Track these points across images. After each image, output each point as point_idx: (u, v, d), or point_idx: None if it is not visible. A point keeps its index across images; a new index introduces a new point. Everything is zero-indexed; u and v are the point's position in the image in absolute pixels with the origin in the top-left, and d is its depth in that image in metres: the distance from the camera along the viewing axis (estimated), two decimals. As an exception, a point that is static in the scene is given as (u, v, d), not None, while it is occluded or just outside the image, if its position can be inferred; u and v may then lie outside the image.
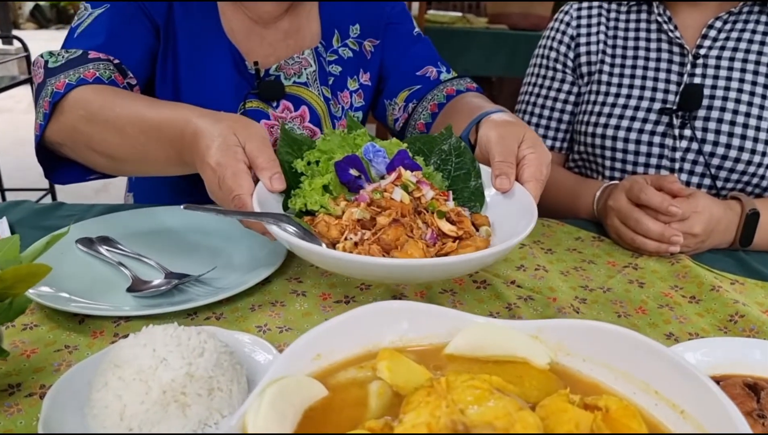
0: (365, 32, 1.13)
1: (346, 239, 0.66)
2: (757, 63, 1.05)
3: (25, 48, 2.81)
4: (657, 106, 1.08)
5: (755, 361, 0.61)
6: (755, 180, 1.03)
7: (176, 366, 0.50)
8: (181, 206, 0.63)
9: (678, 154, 1.06)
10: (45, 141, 0.89)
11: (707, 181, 1.05)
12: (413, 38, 1.17)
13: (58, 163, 0.94)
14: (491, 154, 0.74)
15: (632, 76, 1.12)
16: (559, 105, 1.21)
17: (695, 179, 1.06)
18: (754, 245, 0.94)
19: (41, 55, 0.91)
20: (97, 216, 0.91)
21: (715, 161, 1.03)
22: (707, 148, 1.04)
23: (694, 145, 1.04)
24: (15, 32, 4.59)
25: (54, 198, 3.00)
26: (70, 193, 3.28)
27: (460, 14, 3.75)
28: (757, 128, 1.02)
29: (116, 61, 0.91)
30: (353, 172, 0.73)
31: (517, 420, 0.35)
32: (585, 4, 1.20)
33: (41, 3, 12.64)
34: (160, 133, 0.76)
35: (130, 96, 0.86)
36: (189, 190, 0.99)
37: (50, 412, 0.50)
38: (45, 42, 3.02)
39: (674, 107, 1.05)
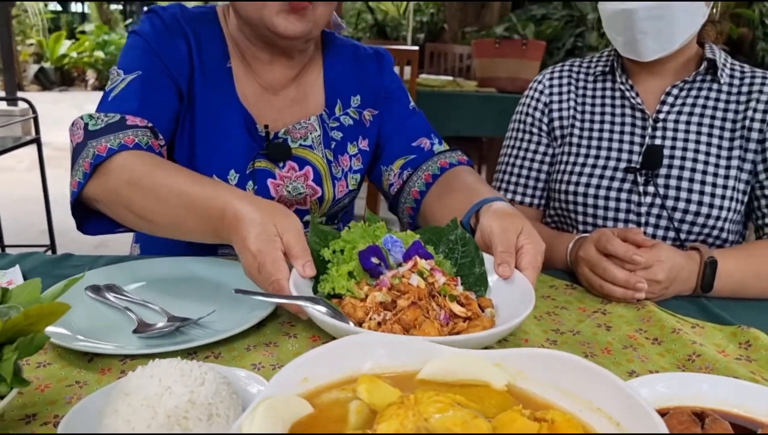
0: (365, 103, 1.24)
1: (370, 319, 0.77)
2: (711, 126, 1.16)
3: (33, 110, 2.91)
4: (623, 165, 1.18)
5: (704, 393, 0.67)
6: (715, 232, 1.12)
7: (179, 393, 0.56)
8: (233, 290, 0.76)
9: (643, 209, 1.15)
10: (81, 197, 0.97)
11: (671, 234, 1.14)
12: (409, 111, 1.27)
13: (87, 215, 1.02)
14: (494, 244, 0.87)
15: (600, 139, 1.23)
16: (535, 165, 1.31)
17: (660, 232, 1.15)
18: (716, 291, 1.01)
19: (81, 117, 1.01)
20: (105, 265, 0.98)
21: (678, 215, 1.12)
22: (669, 202, 1.13)
23: (658, 201, 1.13)
24: (19, 94, 4.75)
25: (55, 253, 3.06)
26: (70, 249, 3.34)
27: (450, 78, 3.91)
28: (714, 184, 1.12)
29: (150, 125, 1.00)
30: (374, 260, 0.83)
31: (472, 426, 0.42)
32: (556, 74, 1.31)
33: (45, 66, 12.99)
34: (200, 209, 0.87)
35: (173, 167, 0.96)
36: (194, 243, 1.06)
37: (66, 429, 0.56)
38: (50, 104, 3.15)
39: (638, 166, 1.16)
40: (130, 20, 17.91)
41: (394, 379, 0.52)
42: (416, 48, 3.38)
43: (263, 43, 1.12)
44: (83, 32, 14.65)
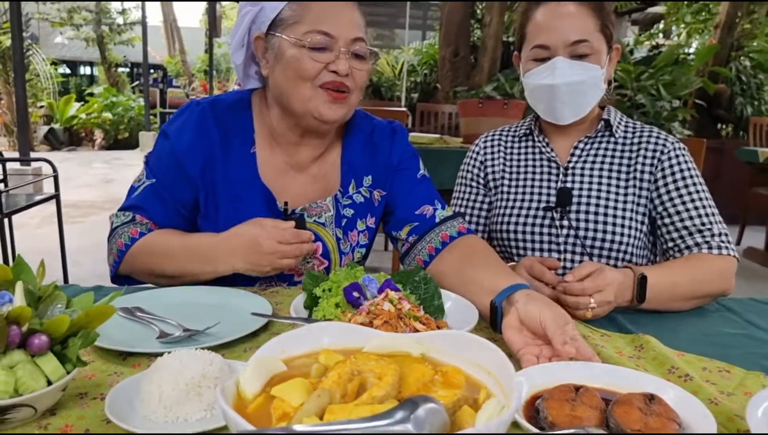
0: (376, 183, 1.44)
1: None
2: (609, 170, 1.47)
3: (54, 169, 3.18)
4: (542, 205, 1.46)
5: (586, 376, 0.89)
6: (620, 255, 1.41)
7: (195, 369, 0.79)
8: (250, 312, 1.07)
9: (561, 239, 1.43)
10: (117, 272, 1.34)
11: (585, 258, 1.40)
12: (417, 180, 1.45)
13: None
14: (550, 331, 0.95)
15: (524, 186, 1.53)
16: (476, 211, 1.62)
17: (577, 257, 1.42)
18: (648, 302, 1.23)
19: (113, 215, 1.36)
20: (132, 293, 1.21)
21: (589, 242, 1.39)
22: (581, 233, 1.41)
23: (572, 232, 1.41)
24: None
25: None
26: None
27: (438, 136, 4.20)
28: (614, 216, 1.42)
29: (151, 222, 1.32)
30: (355, 294, 1.06)
31: (387, 369, 0.64)
32: (489, 138, 1.63)
33: (55, 126, 13.44)
34: (199, 249, 1.25)
35: (172, 232, 1.32)
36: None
37: (111, 401, 0.78)
38: (58, 162, 3.41)
39: (553, 206, 1.43)
40: (136, 82, 18.55)
41: (344, 352, 0.75)
42: (405, 109, 3.68)
43: (300, 129, 1.33)
44: (92, 94, 15.19)
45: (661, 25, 11.46)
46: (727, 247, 1.38)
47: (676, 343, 1.09)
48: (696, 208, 1.42)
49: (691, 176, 1.46)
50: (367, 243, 1.45)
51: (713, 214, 1.43)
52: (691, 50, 9.25)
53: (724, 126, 8.58)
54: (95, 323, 0.82)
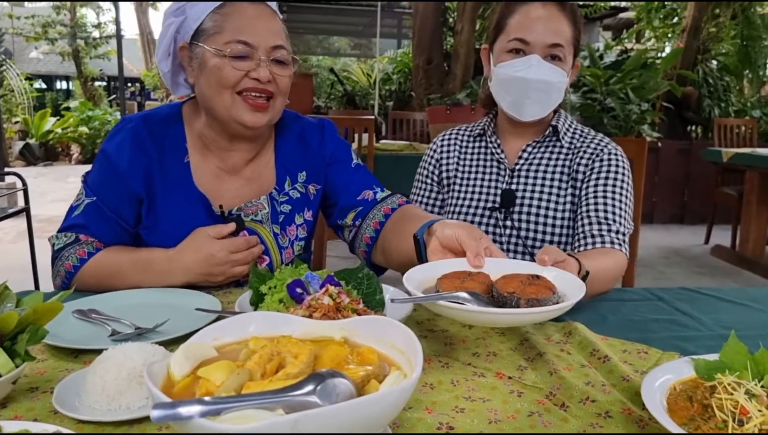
0: (310, 178, 1.53)
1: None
2: (553, 173, 1.53)
3: (23, 183, 3.21)
4: (489, 205, 1.52)
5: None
6: None
7: (137, 360, 0.84)
8: (194, 308, 1.12)
9: (504, 238, 1.49)
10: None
11: (527, 257, 1.45)
12: (352, 169, 1.55)
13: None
14: (466, 244, 1.09)
15: (473, 185, 1.59)
16: (429, 208, 1.68)
17: (519, 256, 1.47)
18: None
19: (53, 237, 1.38)
20: (88, 296, 1.26)
21: (530, 242, 1.46)
22: (523, 233, 1.47)
23: (515, 232, 1.47)
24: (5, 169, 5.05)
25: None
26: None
27: (407, 142, 4.28)
28: (554, 217, 1.48)
29: (98, 240, 1.36)
30: (299, 290, 1.12)
31: (303, 347, 0.71)
32: (446, 137, 1.68)
33: (30, 142, 13.34)
34: (150, 263, 1.32)
35: (118, 250, 1.36)
36: None
37: (59, 393, 0.83)
38: (33, 178, 3.44)
39: (498, 206, 1.49)
40: (113, 96, 18.48)
41: (271, 339, 0.81)
42: (372, 117, 3.76)
43: (229, 135, 1.41)
44: (68, 108, 15.10)
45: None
46: (620, 245, 1.47)
47: (602, 328, 1.17)
48: (605, 203, 1.51)
49: (615, 178, 1.54)
50: (306, 236, 1.53)
51: (620, 214, 1.51)
52: (663, 54, 9.45)
53: (693, 128, 8.77)
54: (44, 320, 0.88)
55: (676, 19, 9.93)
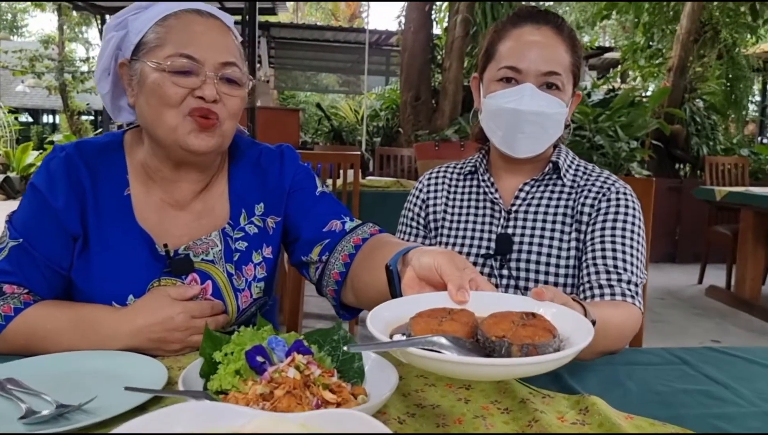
0: (268, 210, 1.33)
1: None
2: (555, 214, 1.34)
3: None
4: (482, 251, 1.33)
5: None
6: None
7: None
8: (123, 387, 0.88)
9: (501, 289, 1.30)
10: None
11: None
12: (316, 198, 1.35)
13: None
14: (446, 274, 0.90)
15: (465, 229, 1.40)
16: None
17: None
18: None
19: None
20: (10, 362, 1.05)
21: (529, 294, 1.25)
22: (521, 283, 1.28)
23: (512, 282, 1.28)
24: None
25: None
26: None
27: (394, 179, 4.12)
28: (557, 265, 1.28)
29: (26, 291, 1.15)
30: (259, 358, 0.92)
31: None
32: (434, 175, 1.50)
33: (11, 175, 13.11)
34: (92, 323, 1.12)
35: (59, 304, 1.17)
36: None
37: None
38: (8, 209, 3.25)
39: (492, 253, 1.30)
40: (99, 129, 18.32)
41: (214, 441, 0.61)
42: (358, 152, 3.60)
43: (174, 163, 1.23)
44: (52, 142, 14.93)
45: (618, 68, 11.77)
46: (633, 297, 1.29)
47: (624, 402, 0.98)
48: (614, 249, 1.33)
49: (625, 221, 1.36)
50: (266, 275, 1.33)
51: (631, 262, 1.33)
52: (648, 93, 9.46)
53: (682, 166, 8.71)
54: None
55: (660, 60, 9.98)
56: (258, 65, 10.33)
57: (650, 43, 10.11)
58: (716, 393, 1.05)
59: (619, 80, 11.72)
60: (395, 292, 1.02)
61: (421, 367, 0.76)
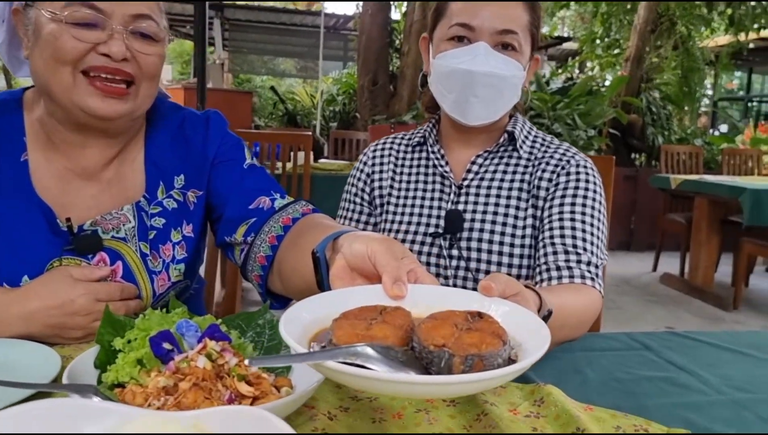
0: (189, 183, 1.18)
1: (149, 405, 0.71)
2: (509, 189, 1.23)
3: None
4: (430, 230, 1.21)
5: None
6: None
7: None
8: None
9: (450, 272, 1.18)
10: None
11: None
12: (244, 171, 1.20)
13: None
14: (380, 263, 0.77)
15: (412, 206, 1.28)
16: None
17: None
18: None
19: None
20: None
21: (480, 275, 1.15)
22: (472, 264, 1.16)
23: (462, 263, 1.16)
24: None
25: None
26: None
27: (348, 162, 3.99)
28: (511, 245, 1.17)
29: None
30: (166, 345, 0.78)
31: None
32: (380, 147, 1.37)
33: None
34: None
35: None
36: None
37: None
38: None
39: (441, 232, 1.19)
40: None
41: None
42: (309, 133, 3.46)
43: (75, 126, 1.07)
44: None
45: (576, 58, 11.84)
46: (593, 280, 1.19)
47: (583, 391, 0.88)
48: (574, 228, 1.22)
49: (585, 197, 1.25)
50: (186, 257, 1.17)
51: (592, 241, 1.22)
52: (607, 83, 9.52)
53: (637, 155, 8.80)
54: None
55: (617, 50, 10.05)
56: (211, 48, 10.04)
57: (608, 33, 10.17)
58: (681, 380, 0.96)
59: (577, 70, 11.77)
60: (323, 283, 0.88)
61: (342, 383, 0.64)
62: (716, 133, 12.12)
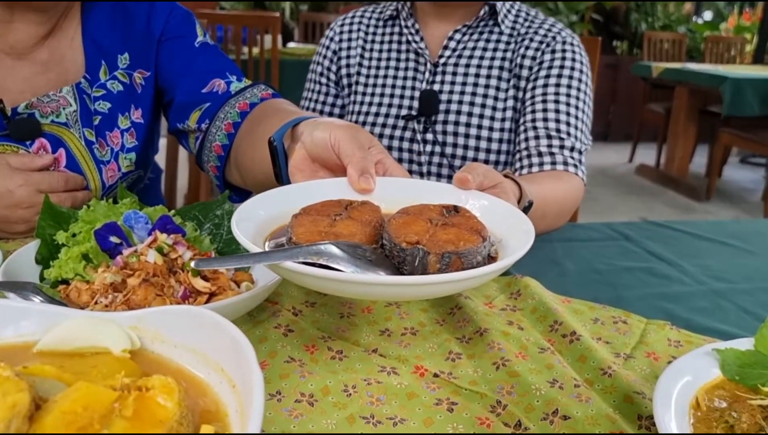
0: (135, 62, 1.06)
1: (96, 303, 0.66)
2: (489, 68, 1.14)
3: None
4: (403, 112, 1.13)
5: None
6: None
7: None
8: None
9: (424, 158, 1.11)
10: None
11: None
12: (195, 51, 1.09)
13: None
14: (344, 153, 0.70)
15: (383, 86, 1.19)
16: (325, 115, 1.25)
17: (443, 180, 1.10)
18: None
19: None
20: None
21: (457, 162, 1.09)
22: (448, 150, 1.10)
23: (437, 148, 1.10)
24: None
25: None
26: None
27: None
28: (490, 128, 1.10)
29: None
30: (114, 239, 0.71)
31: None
32: (348, 21, 1.26)
33: None
34: None
35: None
36: None
37: None
38: None
39: (415, 114, 1.11)
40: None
41: (6, 352, 0.43)
42: (277, 14, 3.25)
43: None
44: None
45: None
46: (576, 166, 1.13)
47: (561, 283, 0.85)
48: (557, 110, 1.15)
49: (571, 77, 1.17)
50: (137, 145, 1.07)
51: (576, 126, 1.16)
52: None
53: (619, 43, 8.59)
54: None
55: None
56: None
57: None
58: (660, 271, 0.93)
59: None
60: (281, 175, 0.81)
61: (303, 285, 0.58)
62: (700, 20, 11.83)
